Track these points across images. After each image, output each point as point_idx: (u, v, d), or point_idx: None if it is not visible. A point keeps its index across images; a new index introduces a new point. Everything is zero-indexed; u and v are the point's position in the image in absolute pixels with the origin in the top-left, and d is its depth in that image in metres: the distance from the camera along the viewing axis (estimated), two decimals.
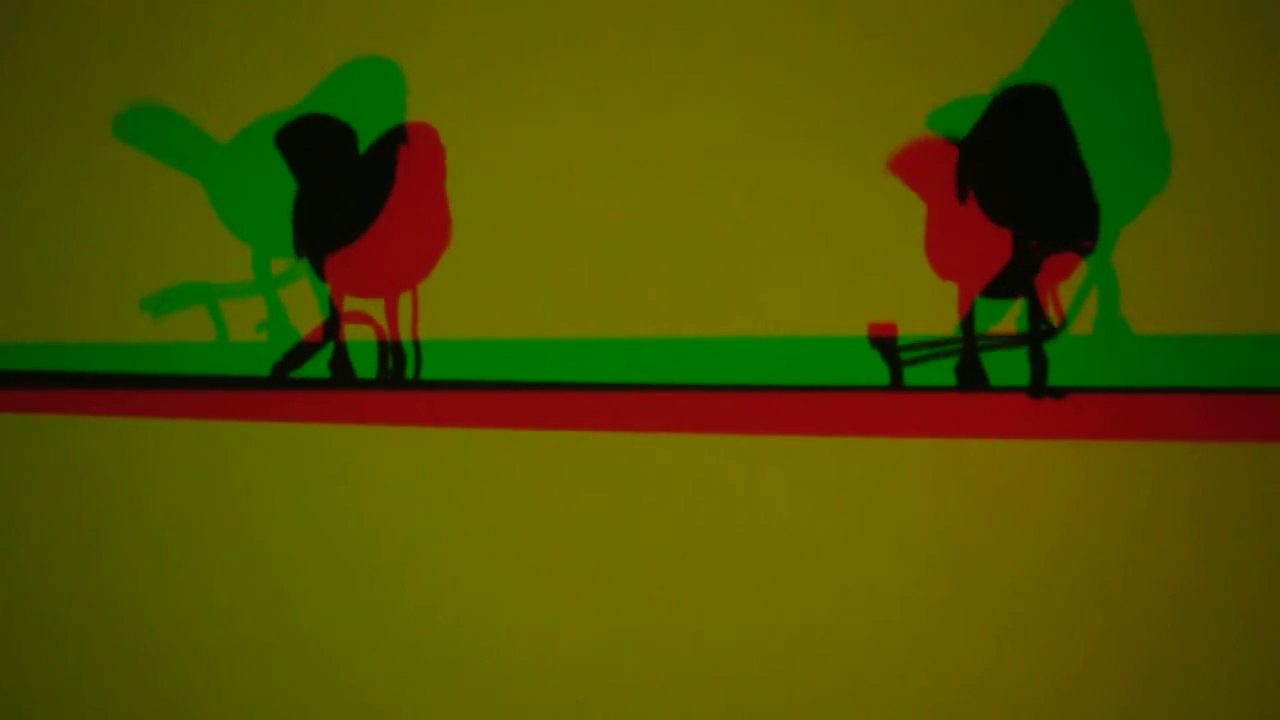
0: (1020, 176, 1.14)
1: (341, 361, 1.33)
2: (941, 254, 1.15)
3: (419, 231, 1.30)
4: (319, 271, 1.34)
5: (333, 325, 1.34)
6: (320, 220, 1.33)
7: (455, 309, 1.29)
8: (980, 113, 1.14)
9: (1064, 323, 1.13)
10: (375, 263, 1.31)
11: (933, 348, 1.16)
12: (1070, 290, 1.13)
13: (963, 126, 1.14)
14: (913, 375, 1.16)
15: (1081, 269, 1.12)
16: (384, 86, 1.30)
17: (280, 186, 1.34)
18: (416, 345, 1.31)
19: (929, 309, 1.16)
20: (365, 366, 1.33)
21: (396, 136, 1.30)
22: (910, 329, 1.16)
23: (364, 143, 1.31)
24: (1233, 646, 1.09)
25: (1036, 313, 1.13)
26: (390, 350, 1.32)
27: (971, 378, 1.15)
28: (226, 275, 1.36)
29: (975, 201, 1.15)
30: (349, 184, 1.32)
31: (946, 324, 1.15)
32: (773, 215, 1.19)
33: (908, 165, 1.15)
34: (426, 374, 1.30)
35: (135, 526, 1.40)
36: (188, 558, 1.38)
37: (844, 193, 1.17)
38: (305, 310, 1.35)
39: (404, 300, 1.31)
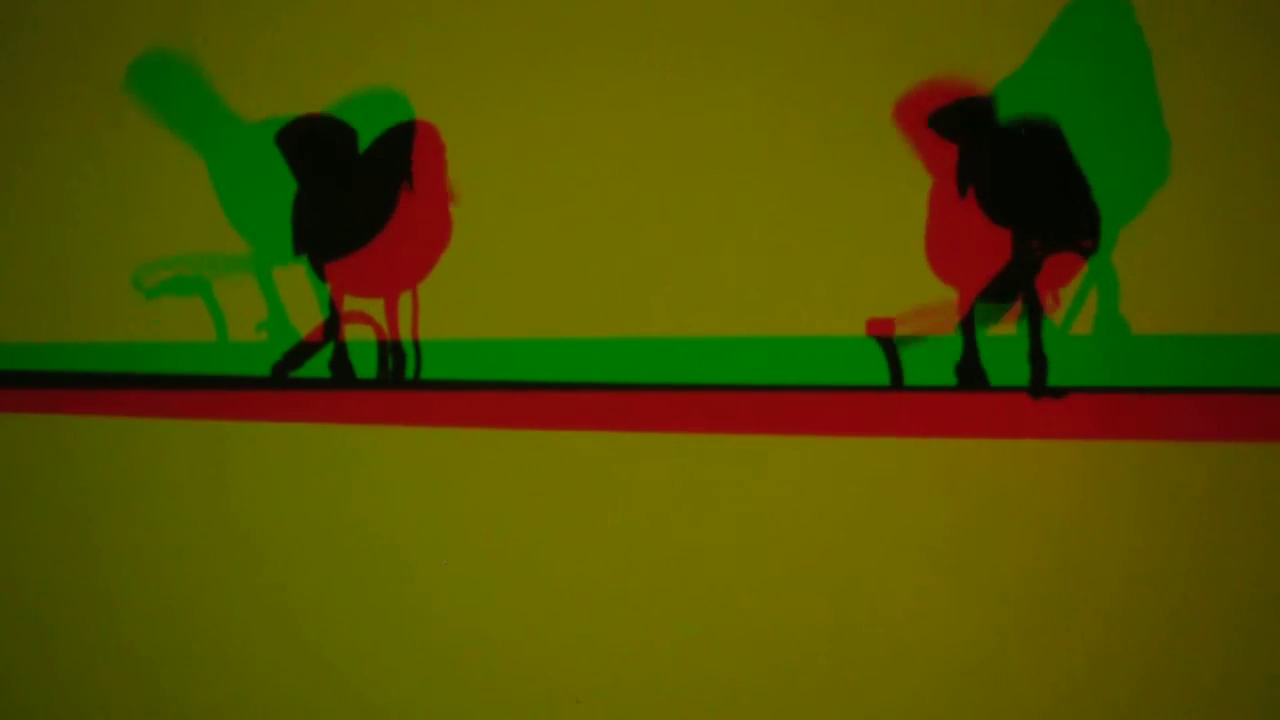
0: (1020, 176, 1.13)
1: (341, 361, 1.33)
2: (941, 255, 1.15)
3: (419, 232, 1.30)
4: (319, 272, 1.33)
5: (333, 325, 1.34)
6: (322, 224, 1.33)
7: (455, 309, 1.29)
8: (981, 117, 1.14)
9: (1064, 325, 1.13)
10: (375, 263, 1.31)
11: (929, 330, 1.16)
12: (1070, 290, 1.13)
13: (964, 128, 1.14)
14: (913, 375, 1.16)
15: (1082, 269, 1.12)
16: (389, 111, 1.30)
17: (285, 188, 1.34)
18: (416, 345, 1.30)
19: (929, 309, 1.16)
20: (365, 366, 1.33)
21: (397, 135, 1.30)
22: (910, 329, 1.16)
23: (365, 143, 1.31)
24: (1232, 645, 1.09)
25: (1036, 313, 1.13)
26: (390, 350, 1.32)
27: (971, 378, 1.15)
28: (227, 275, 1.36)
29: (975, 201, 1.15)
30: (350, 186, 1.32)
31: (947, 324, 1.15)
32: (773, 216, 1.19)
33: (909, 114, 1.14)
34: (426, 374, 1.30)
35: (135, 525, 1.40)
36: (187, 556, 1.38)
37: (845, 193, 1.17)
38: (305, 310, 1.34)
39: (404, 300, 1.31)
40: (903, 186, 1.16)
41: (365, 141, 1.31)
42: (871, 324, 1.17)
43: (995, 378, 1.14)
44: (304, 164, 1.33)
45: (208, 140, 1.35)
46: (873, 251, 1.17)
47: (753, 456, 1.20)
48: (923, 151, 1.15)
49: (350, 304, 1.33)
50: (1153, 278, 1.10)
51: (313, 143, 1.32)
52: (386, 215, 1.30)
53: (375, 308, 1.32)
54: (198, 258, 1.36)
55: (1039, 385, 1.13)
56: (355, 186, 1.31)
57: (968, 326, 1.15)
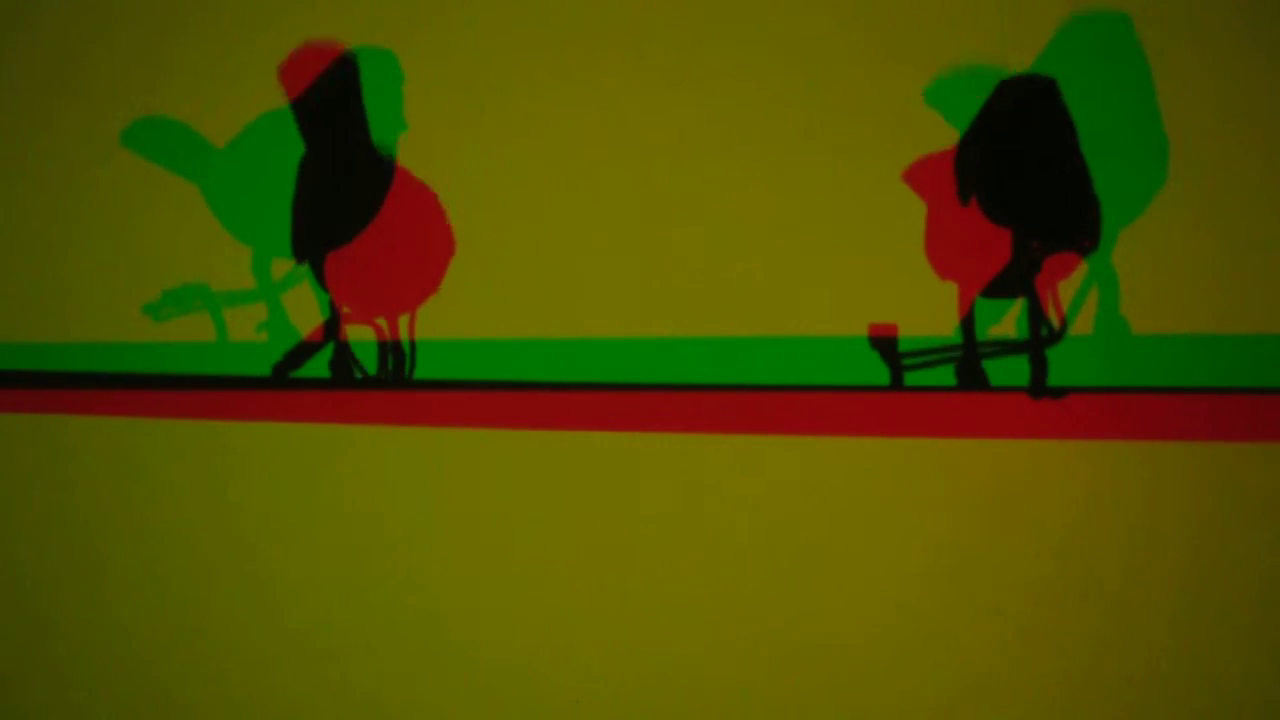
0: (1019, 176, 1.14)
1: (342, 361, 1.34)
2: (941, 254, 1.15)
3: (419, 242, 1.30)
4: (319, 274, 1.34)
5: (333, 325, 1.34)
6: (319, 219, 1.33)
7: (454, 309, 1.29)
8: (977, 88, 1.13)
9: (1064, 324, 1.13)
10: (376, 281, 1.31)
11: (934, 354, 1.16)
12: (1070, 290, 1.13)
13: (959, 106, 1.14)
14: (913, 375, 1.16)
15: (1081, 269, 1.12)
16: (381, 81, 1.30)
17: (278, 187, 1.34)
18: (413, 346, 1.31)
19: (929, 309, 1.16)
20: (366, 366, 1.33)
21: (395, 136, 1.30)
22: (911, 329, 1.16)
23: (366, 78, 1.30)
24: (1232, 645, 1.09)
25: (1036, 313, 1.13)
26: (390, 350, 1.32)
27: (971, 378, 1.15)
28: (227, 278, 1.36)
29: (975, 201, 1.15)
30: (349, 180, 1.32)
31: (947, 324, 1.15)
32: (773, 217, 1.19)
33: (917, 175, 1.15)
34: (426, 374, 1.30)
35: (135, 525, 1.40)
36: (187, 556, 1.38)
37: (844, 194, 1.17)
38: (306, 310, 1.35)
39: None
40: (903, 186, 1.16)
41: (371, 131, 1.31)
42: (873, 326, 1.17)
43: (995, 378, 1.15)
44: (313, 135, 1.33)
45: (198, 170, 1.37)
46: (873, 252, 1.17)
47: (753, 456, 1.20)
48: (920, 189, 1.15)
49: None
50: (1153, 278, 1.10)
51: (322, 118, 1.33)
52: (379, 206, 1.30)
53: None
54: (206, 292, 1.37)
55: (1039, 385, 1.13)
56: (354, 181, 1.32)
57: (968, 326, 1.15)
